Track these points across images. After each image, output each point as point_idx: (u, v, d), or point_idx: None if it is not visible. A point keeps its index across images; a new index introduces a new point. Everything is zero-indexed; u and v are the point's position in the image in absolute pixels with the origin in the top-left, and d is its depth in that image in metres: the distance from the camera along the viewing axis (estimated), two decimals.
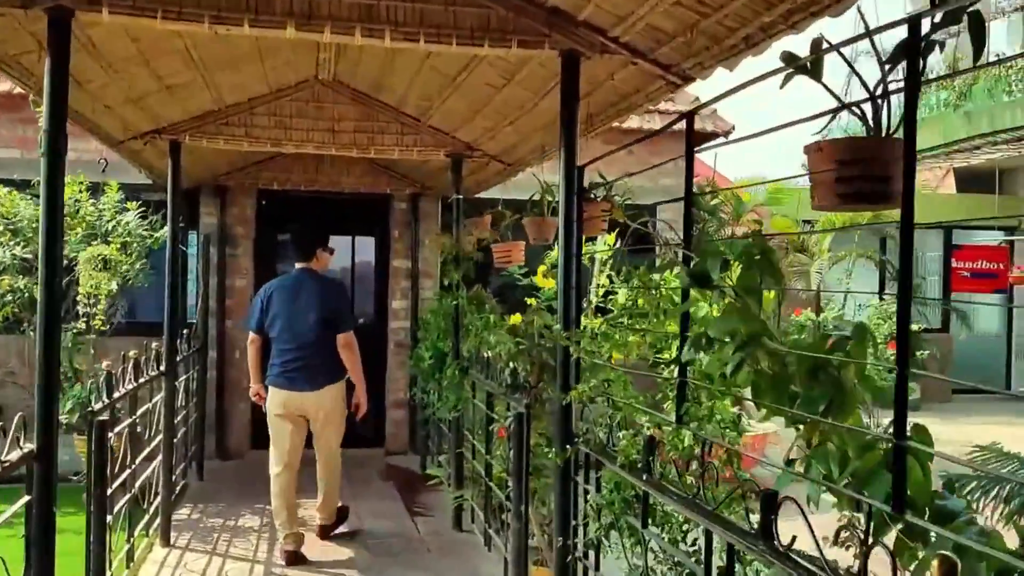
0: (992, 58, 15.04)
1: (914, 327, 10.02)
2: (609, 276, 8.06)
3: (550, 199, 5.19)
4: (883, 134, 2.21)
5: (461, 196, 6.25)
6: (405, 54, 4.64)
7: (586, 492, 3.46)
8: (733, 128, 9.56)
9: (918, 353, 9.10)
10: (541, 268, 7.65)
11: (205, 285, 8.31)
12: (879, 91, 2.18)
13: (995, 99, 13.42)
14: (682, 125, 3.02)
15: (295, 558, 5.57)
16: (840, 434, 2.17)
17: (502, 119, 5.22)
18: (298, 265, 5.98)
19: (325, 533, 6.11)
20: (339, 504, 6.24)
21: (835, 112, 2.38)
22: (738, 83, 2.61)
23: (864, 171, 2.15)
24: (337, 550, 5.89)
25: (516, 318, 7.52)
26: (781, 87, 2.50)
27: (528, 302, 7.92)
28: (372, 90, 5.96)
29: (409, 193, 8.93)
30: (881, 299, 13.00)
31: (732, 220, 10.45)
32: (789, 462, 2.22)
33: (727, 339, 2.42)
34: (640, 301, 3.22)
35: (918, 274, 13.96)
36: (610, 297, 8.39)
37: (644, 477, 2.77)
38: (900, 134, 2.02)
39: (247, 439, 8.77)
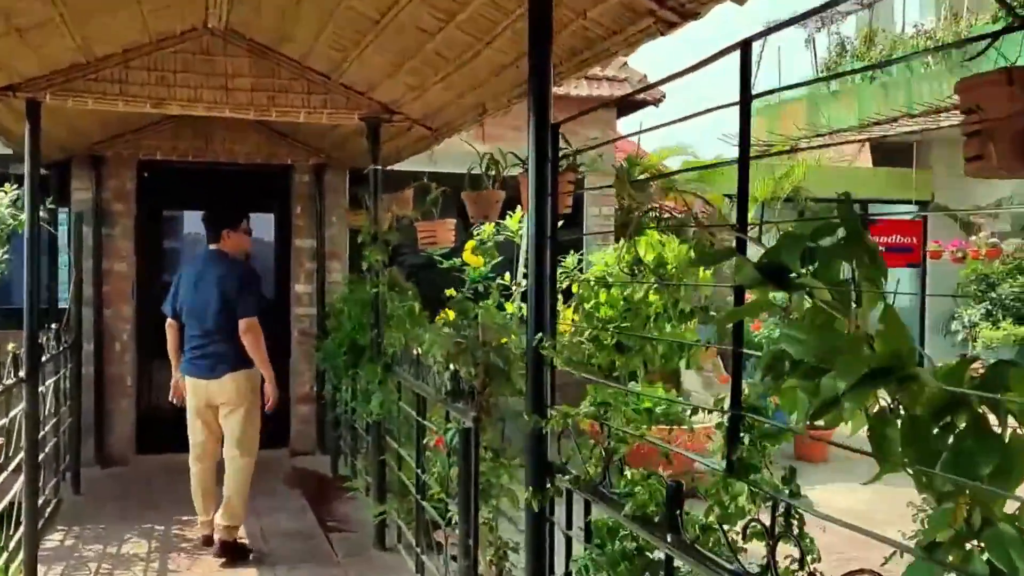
0: (909, 30, 14.91)
1: None
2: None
3: (493, 171, 4.40)
4: None
5: (379, 167, 5.41)
6: None
7: (568, 538, 2.73)
8: (664, 96, 8.94)
9: None
10: (470, 244, 6.88)
11: (78, 270, 7.24)
12: None
13: (913, 71, 13.19)
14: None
15: (210, 543, 5.49)
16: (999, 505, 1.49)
17: (432, 73, 4.41)
18: (209, 247, 5.65)
19: (224, 550, 5.31)
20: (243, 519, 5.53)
21: None
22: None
23: None
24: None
25: (450, 314, 6.76)
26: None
27: (448, 292, 7.21)
28: (273, 42, 5.07)
29: (312, 164, 8.01)
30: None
31: (659, 196, 9.84)
32: (931, 546, 1.51)
33: (805, 359, 1.72)
34: (652, 296, 2.46)
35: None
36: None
37: (669, 538, 2.05)
38: None
39: (132, 443, 7.76)
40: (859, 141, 14.91)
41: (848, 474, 6.56)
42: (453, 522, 4.09)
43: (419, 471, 4.61)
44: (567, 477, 2.56)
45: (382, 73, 4.84)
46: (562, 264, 7.30)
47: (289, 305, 8.15)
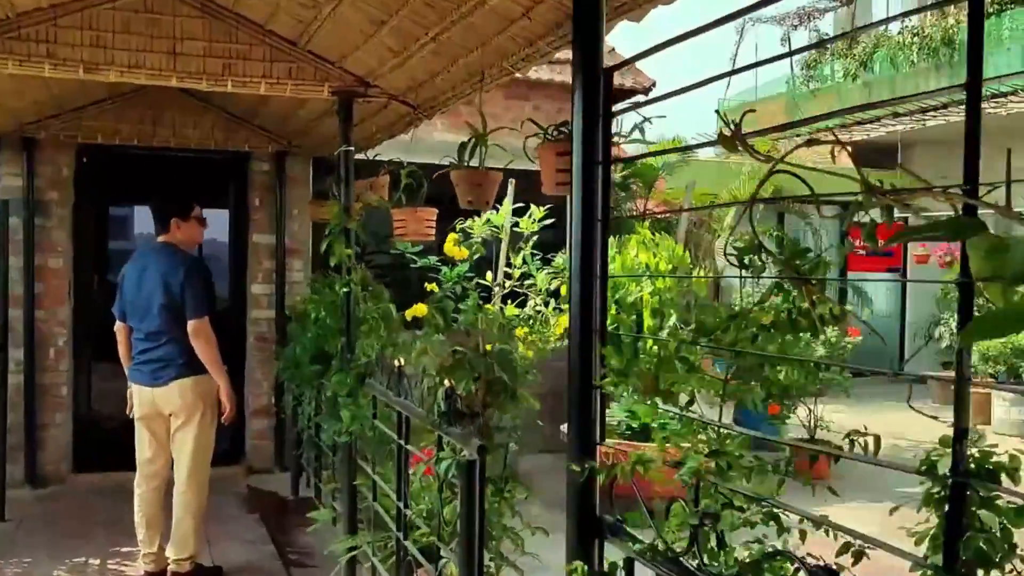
0: (889, 26, 14.50)
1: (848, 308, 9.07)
2: (534, 255, 6.69)
3: (477, 154, 3.69)
4: None
5: (351, 148, 4.70)
6: None
7: None
8: (654, 84, 8.32)
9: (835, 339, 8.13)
10: (452, 236, 6.18)
11: (4, 266, 6.41)
12: None
13: (898, 69, 12.76)
14: None
15: None
16: None
17: (420, 33, 3.71)
18: (157, 239, 5.06)
19: None
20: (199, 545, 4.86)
21: None
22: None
23: None
24: None
25: (419, 309, 6.06)
26: None
27: (429, 287, 6.50)
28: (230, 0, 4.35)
29: (273, 152, 7.26)
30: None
31: (642, 194, 9.24)
32: None
33: None
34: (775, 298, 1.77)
35: (815, 252, 13.17)
36: (528, 282, 7.04)
37: None
38: None
39: (68, 460, 6.95)
40: (839, 143, 14.46)
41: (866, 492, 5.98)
42: (441, 564, 3.42)
43: (400, 504, 3.90)
44: (632, 544, 1.87)
45: (358, 36, 4.13)
46: (552, 266, 6.64)
47: (245, 307, 7.39)
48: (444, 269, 6.78)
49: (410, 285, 7.20)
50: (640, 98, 8.81)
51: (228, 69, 4.45)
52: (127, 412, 5.02)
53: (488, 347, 3.31)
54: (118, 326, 5.03)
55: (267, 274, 7.36)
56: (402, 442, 3.85)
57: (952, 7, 12.59)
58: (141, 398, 4.88)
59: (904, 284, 14.43)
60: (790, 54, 3.77)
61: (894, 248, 14.39)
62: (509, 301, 6.92)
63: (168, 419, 4.86)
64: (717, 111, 2.09)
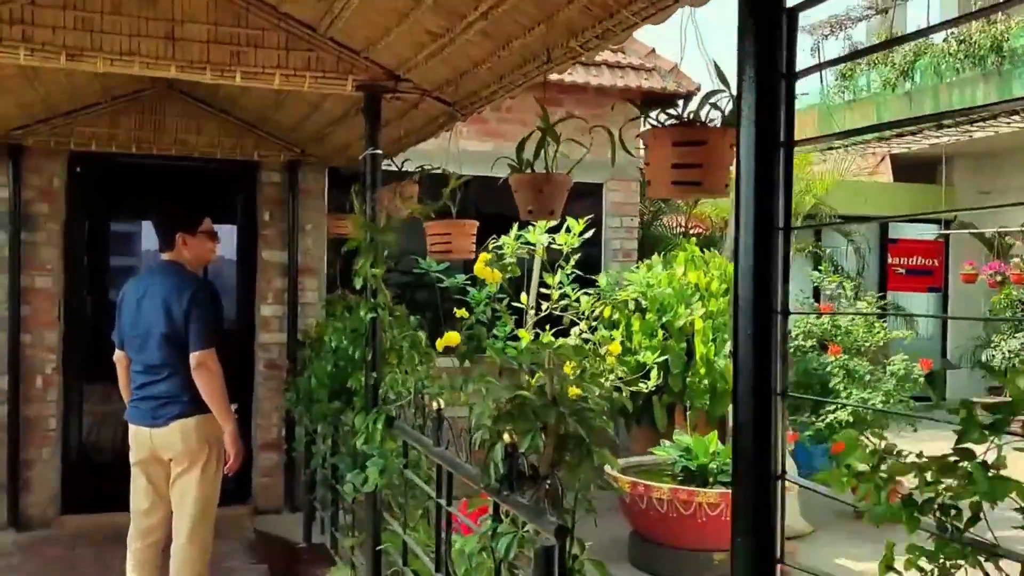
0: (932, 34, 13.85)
1: (894, 333, 8.39)
2: (569, 275, 6.03)
3: (554, 145, 3.03)
4: None
5: (379, 151, 4.04)
6: None
7: None
8: (699, 88, 7.67)
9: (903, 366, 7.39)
10: (484, 256, 5.52)
11: None
12: None
13: (942, 77, 12.09)
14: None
15: None
16: None
17: (469, 7, 3.06)
18: (160, 257, 4.39)
19: None
20: None
21: None
22: None
23: None
24: None
25: (451, 337, 5.40)
26: None
27: (458, 313, 5.85)
28: None
29: (284, 161, 6.61)
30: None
31: (685, 208, 8.56)
32: None
33: None
34: None
35: (857, 271, 12.48)
36: (563, 302, 6.37)
37: None
38: None
39: (55, 501, 6.27)
40: (874, 153, 13.82)
41: None
42: None
43: None
44: None
45: (390, 18, 3.49)
46: (597, 287, 5.98)
47: (254, 331, 6.73)
48: (472, 291, 6.13)
49: (429, 307, 6.56)
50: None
51: (236, 58, 3.81)
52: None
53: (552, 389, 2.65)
54: (117, 355, 4.39)
55: (278, 294, 6.71)
56: (443, 502, 3.19)
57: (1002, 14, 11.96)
58: (138, 440, 4.23)
59: (945, 304, 13.70)
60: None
61: (934, 266, 13.71)
62: (547, 327, 6.25)
63: (168, 465, 4.20)
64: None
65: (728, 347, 6.31)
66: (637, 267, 7.24)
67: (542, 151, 2.88)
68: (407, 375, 3.96)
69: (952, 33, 11.79)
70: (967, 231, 12.94)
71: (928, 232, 13.50)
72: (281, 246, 6.71)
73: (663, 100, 7.82)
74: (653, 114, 2.83)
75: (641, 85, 7.41)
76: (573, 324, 6.02)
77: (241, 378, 6.53)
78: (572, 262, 5.92)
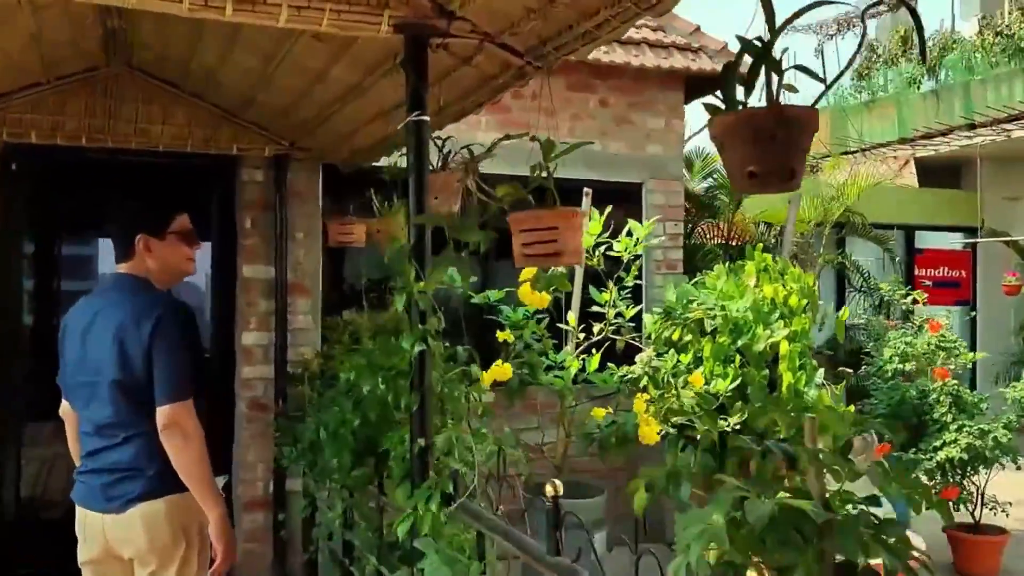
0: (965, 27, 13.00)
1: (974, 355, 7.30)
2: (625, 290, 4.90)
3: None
4: None
5: (426, 117, 2.88)
6: None
7: None
8: None
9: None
10: (529, 271, 4.35)
11: None
12: None
13: (974, 73, 11.18)
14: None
15: None
16: None
17: None
18: (115, 268, 3.15)
19: None
20: None
21: None
22: None
23: None
24: None
25: (502, 371, 4.23)
26: None
27: (501, 336, 4.70)
28: None
29: (270, 155, 5.42)
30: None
31: (728, 210, 7.48)
32: None
33: None
34: None
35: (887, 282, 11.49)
36: (619, 321, 5.23)
37: None
38: None
39: None
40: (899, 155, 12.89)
41: None
42: None
43: None
44: None
45: None
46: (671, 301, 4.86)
47: (234, 364, 5.52)
48: (506, 311, 5.00)
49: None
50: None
51: None
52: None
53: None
54: (63, 408, 3.21)
55: (263, 319, 5.49)
56: None
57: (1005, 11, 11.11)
58: (88, 530, 3.02)
59: (974, 319, 12.76)
60: None
61: (961, 278, 12.79)
62: (594, 350, 5.12)
63: (130, 566, 2.99)
64: None
65: (820, 375, 5.20)
66: (696, 281, 6.13)
67: (757, 81, 1.74)
68: (472, 432, 2.79)
69: (988, 24, 10.90)
70: (998, 239, 12.02)
71: (954, 241, 12.56)
72: (266, 259, 5.51)
73: (701, 81, 6.59)
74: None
75: (689, 67, 6.31)
76: (632, 349, 4.90)
77: (219, 422, 5.33)
78: (633, 273, 4.80)
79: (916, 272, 12.21)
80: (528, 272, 3.87)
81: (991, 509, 5.83)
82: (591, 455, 5.26)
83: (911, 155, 12.47)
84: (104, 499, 2.94)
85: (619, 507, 5.47)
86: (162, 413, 2.88)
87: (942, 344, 6.30)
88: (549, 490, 2.10)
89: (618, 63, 6.08)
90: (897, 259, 11.11)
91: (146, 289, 3.07)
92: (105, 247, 6.56)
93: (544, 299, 4.19)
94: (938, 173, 12.74)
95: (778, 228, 8.68)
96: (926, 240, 12.67)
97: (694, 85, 6.64)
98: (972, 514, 5.87)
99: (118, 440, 2.95)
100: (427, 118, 2.88)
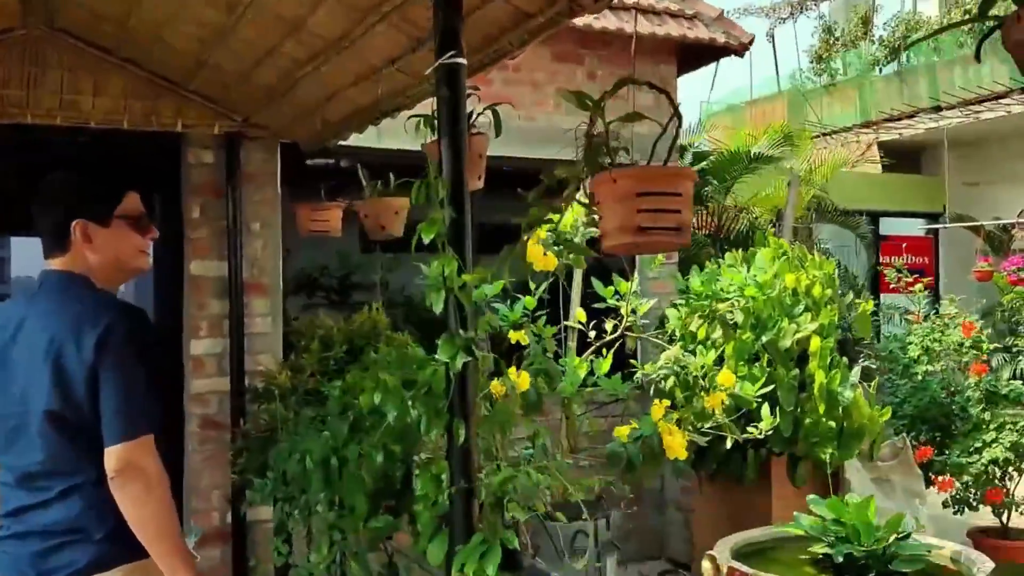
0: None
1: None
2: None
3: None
4: None
5: (462, 60, 2.22)
6: None
7: None
8: (753, 40, 6.05)
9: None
10: (540, 232, 3.69)
11: None
12: None
13: (940, 54, 10.89)
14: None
15: None
16: None
17: None
18: (48, 266, 2.42)
19: None
20: None
21: None
22: None
23: None
24: None
25: (522, 379, 3.57)
26: None
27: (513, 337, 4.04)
28: None
29: (221, 133, 4.67)
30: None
31: (719, 195, 6.94)
32: None
33: None
34: None
35: (851, 273, 11.14)
36: (633, 319, 4.60)
37: None
38: None
39: None
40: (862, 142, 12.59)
41: None
42: None
43: None
44: None
45: None
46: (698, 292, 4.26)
47: (182, 377, 4.76)
48: (501, 308, 4.34)
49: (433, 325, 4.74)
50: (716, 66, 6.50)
51: None
52: None
53: None
54: None
55: (215, 323, 4.74)
56: None
57: None
58: None
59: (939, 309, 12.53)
60: None
61: (924, 264, 12.53)
62: (604, 351, 4.49)
63: None
64: None
65: (855, 374, 4.67)
66: (687, 272, 5.56)
67: None
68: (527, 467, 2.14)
69: (956, 2, 10.61)
70: (964, 224, 11.79)
71: (921, 228, 12.31)
72: (218, 254, 4.76)
73: (713, 51, 5.94)
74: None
75: (686, 35, 5.73)
76: (664, 347, 4.30)
77: (165, 444, 4.57)
78: (659, 262, 4.18)
79: (881, 259, 11.91)
80: (539, 234, 3.17)
81: (1020, 512, 5.39)
82: (589, 464, 4.65)
83: (874, 139, 12.16)
84: (35, 574, 2.21)
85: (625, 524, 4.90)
86: (113, 454, 2.17)
87: (976, 343, 5.89)
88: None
89: (610, 29, 5.46)
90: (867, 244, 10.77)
91: (88, 290, 2.34)
92: (19, 247, 5.68)
93: (552, 261, 3.54)
94: (898, 158, 12.47)
95: (772, 215, 8.20)
96: (891, 227, 12.40)
97: (686, 57, 6.06)
98: (1000, 518, 5.41)
99: (52, 494, 2.22)
100: (463, 61, 2.21)
